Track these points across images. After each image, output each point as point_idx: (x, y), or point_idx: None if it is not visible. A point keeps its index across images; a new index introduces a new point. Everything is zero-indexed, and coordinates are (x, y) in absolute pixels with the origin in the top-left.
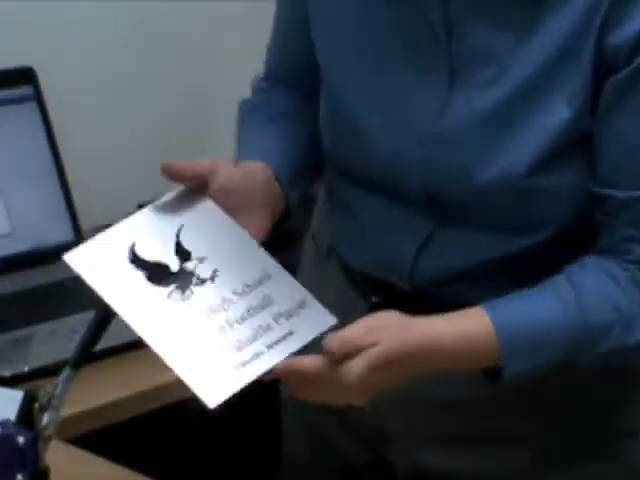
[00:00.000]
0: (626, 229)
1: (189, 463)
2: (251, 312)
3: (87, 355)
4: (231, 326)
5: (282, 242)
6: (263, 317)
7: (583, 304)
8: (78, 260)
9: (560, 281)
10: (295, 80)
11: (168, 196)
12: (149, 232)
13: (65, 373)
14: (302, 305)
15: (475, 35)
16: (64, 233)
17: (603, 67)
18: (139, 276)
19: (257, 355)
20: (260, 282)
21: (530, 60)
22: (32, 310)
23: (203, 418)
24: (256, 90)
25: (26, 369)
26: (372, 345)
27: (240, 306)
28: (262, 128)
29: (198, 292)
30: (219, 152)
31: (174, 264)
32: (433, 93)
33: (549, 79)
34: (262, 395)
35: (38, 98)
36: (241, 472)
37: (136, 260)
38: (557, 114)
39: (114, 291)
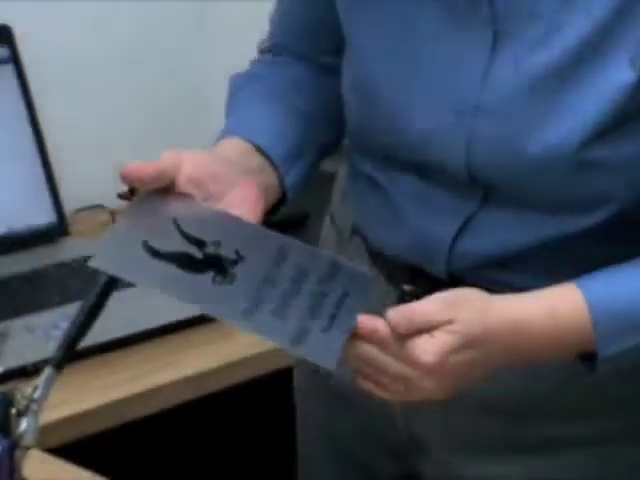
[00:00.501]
0: None
1: (192, 470)
2: (296, 283)
3: (71, 353)
4: (289, 299)
5: (296, 223)
6: (310, 286)
7: None
8: (106, 262)
9: None
10: (306, 51)
11: (137, 199)
12: (148, 230)
13: (46, 374)
14: (336, 266)
15: None
16: (44, 215)
17: None
18: (171, 268)
19: (332, 317)
20: (284, 255)
21: (583, 16)
22: (7, 302)
23: (210, 420)
24: (255, 62)
25: (0, 369)
26: (449, 322)
27: (283, 279)
28: (255, 102)
29: (239, 272)
30: (208, 132)
31: (195, 252)
32: (473, 59)
33: (607, 37)
34: (274, 399)
35: (15, 61)
36: None
37: (158, 254)
38: (618, 76)
39: (160, 283)
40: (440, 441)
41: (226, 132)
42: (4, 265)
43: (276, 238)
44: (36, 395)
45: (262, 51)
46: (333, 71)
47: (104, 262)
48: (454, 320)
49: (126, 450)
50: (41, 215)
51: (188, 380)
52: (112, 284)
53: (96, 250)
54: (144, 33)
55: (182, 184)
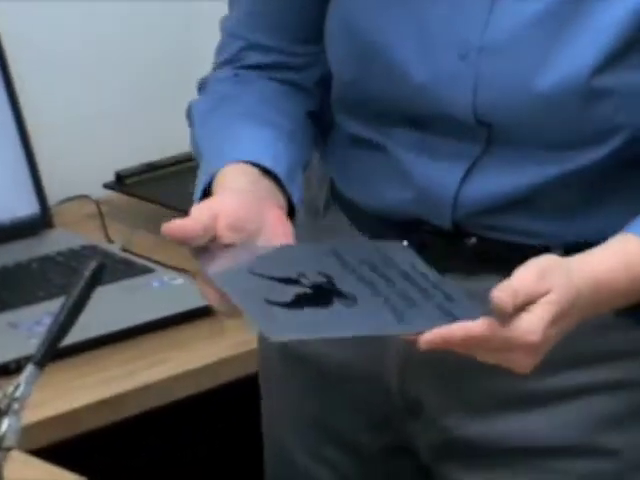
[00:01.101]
0: None
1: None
2: (393, 278)
3: (54, 350)
4: (404, 291)
5: None
6: (401, 275)
7: None
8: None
9: None
10: (276, 44)
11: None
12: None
13: (28, 371)
14: (385, 252)
15: None
16: (27, 206)
17: None
18: (309, 312)
19: (447, 298)
20: (354, 258)
21: None
22: None
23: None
24: (213, 81)
25: None
26: (547, 293)
27: (379, 279)
28: (241, 124)
29: (348, 290)
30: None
31: (299, 290)
32: (474, 4)
33: None
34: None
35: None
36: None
37: (287, 305)
38: (626, 2)
39: (321, 329)
40: (437, 403)
41: (223, 158)
42: None
43: (330, 246)
44: (18, 394)
45: (220, 64)
46: (298, 87)
47: (276, 330)
48: (550, 289)
49: (113, 451)
50: (24, 206)
51: (180, 377)
52: (97, 279)
53: (264, 326)
54: (130, 31)
55: (224, 234)
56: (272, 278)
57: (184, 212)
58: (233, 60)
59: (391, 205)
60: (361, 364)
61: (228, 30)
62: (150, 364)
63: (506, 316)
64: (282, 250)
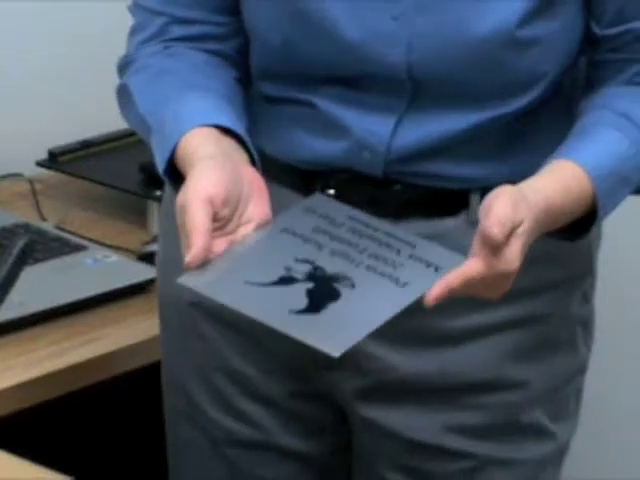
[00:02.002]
0: None
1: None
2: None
3: None
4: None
5: None
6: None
7: None
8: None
9: (611, 117)
10: (197, 16)
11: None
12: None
13: None
14: (320, 212)
15: None
16: None
17: None
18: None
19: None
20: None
21: None
22: None
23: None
24: (141, 59)
25: None
26: (521, 223)
27: (351, 252)
28: (187, 92)
29: (341, 273)
30: None
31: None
32: None
33: None
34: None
35: None
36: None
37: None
38: None
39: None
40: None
41: (180, 126)
42: None
43: (279, 227)
44: None
45: (144, 41)
46: (223, 56)
47: (335, 346)
48: (523, 220)
49: (46, 429)
50: None
51: (114, 354)
52: (26, 256)
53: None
54: (65, 4)
55: (220, 211)
56: (272, 284)
57: (118, 189)
58: (158, 35)
59: (320, 157)
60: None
61: (148, 8)
62: (84, 341)
63: (498, 248)
64: (251, 249)
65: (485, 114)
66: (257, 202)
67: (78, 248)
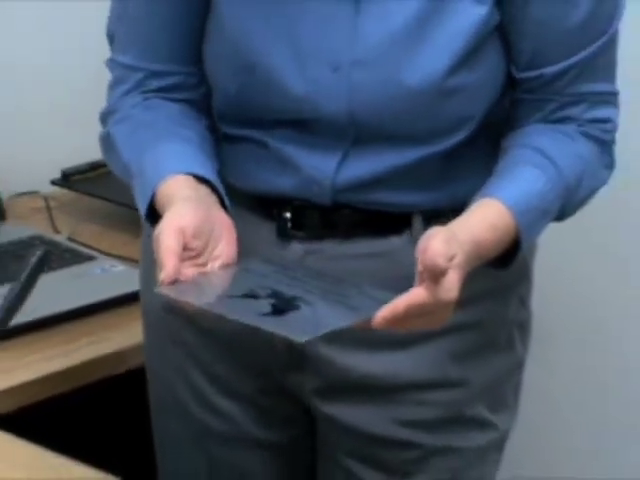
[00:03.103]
0: (561, 97)
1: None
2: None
3: (3, 331)
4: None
5: None
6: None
7: (559, 166)
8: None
9: (530, 155)
10: (168, 64)
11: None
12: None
13: None
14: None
15: None
16: None
17: None
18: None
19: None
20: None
21: None
22: None
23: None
24: (125, 108)
25: None
26: (455, 256)
27: (307, 286)
28: (167, 142)
29: (299, 295)
30: None
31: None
32: (340, 19)
33: None
34: None
35: None
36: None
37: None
38: (468, 15)
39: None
40: (321, 352)
41: (159, 174)
42: None
43: (242, 266)
44: None
45: (124, 93)
46: (194, 103)
47: (301, 334)
48: (455, 254)
49: (58, 420)
50: None
51: (118, 354)
52: (42, 265)
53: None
54: (82, 31)
55: (190, 242)
56: (239, 296)
57: (123, 205)
58: (136, 87)
59: (275, 189)
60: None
61: (126, 64)
62: (91, 342)
63: (438, 277)
64: (218, 277)
65: (420, 152)
66: (226, 243)
67: (88, 258)
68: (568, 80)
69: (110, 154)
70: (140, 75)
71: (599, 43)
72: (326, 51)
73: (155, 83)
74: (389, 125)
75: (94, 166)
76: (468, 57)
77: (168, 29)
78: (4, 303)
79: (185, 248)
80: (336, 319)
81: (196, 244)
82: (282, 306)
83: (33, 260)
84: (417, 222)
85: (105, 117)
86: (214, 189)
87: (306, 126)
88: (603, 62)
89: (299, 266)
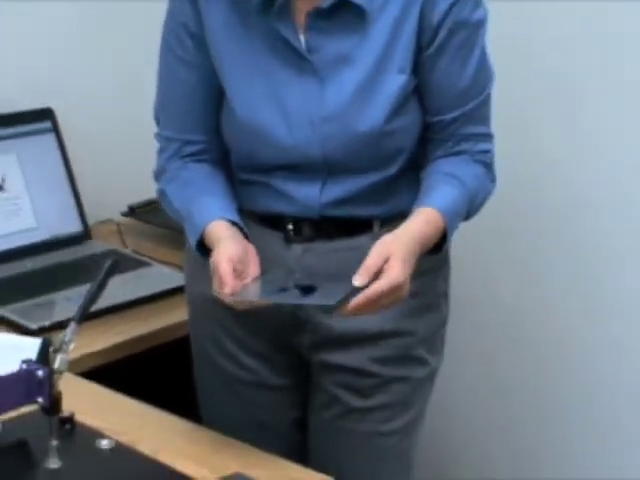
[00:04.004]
0: (456, 136)
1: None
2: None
3: (87, 314)
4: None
5: None
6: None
7: (465, 183)
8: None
9: (447, 177)
10: (203, 144)
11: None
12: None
13: (72, 326)
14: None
15: (327, 47)
16: (74, 227)
17: (420, 42)
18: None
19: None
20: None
21: (370, 52)
22: (53, 282)
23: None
24: (172, 170)
25: (47, 324)
26: (392, 254)
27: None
28: (207, 196)
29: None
30: None
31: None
32: (312, 90)
33: (385, 61)
34: None
35: (55, 129)
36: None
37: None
38: (395, 82)
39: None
40: (318, 318)
41: (204, 220)
42: (52, 258)
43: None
44: (66, 339)
45: (169, 158)
46: (216, 162)
47: (327, 301)
48: (393, 252)
49: (125, 374)
50: (74, 226)
51: (162, 330)
52: (113, 269)
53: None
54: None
55: (237, 267)
56: (279, 290)
57: (171, 229)
58: (177, 153)
59: (279, 213)
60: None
61: (167, 136)
62: (148, 320)
63: (380, 272)
64: (262, 283)
65: (373, 177)
66: (253, 264)
67: (145, 264)
68: (460, 124)
69: (165, 203)
70: (177, 144)
71: (479, 100)
72: (304, 113)
73: (188, 149)
74: (350, 160)
75: (150, 202)
76: (398, 110)
77: (195, 111)
78: (87, 296)
79: (233, 270)
80: (339, 291)
81: (239, 267)
82: (306, 291)
83: (106, 266)
84: (376, 226)
85: (157, 176)
86: (239, 227)
87: (294, 167)
88: (482, 112)
89: (298, 266)
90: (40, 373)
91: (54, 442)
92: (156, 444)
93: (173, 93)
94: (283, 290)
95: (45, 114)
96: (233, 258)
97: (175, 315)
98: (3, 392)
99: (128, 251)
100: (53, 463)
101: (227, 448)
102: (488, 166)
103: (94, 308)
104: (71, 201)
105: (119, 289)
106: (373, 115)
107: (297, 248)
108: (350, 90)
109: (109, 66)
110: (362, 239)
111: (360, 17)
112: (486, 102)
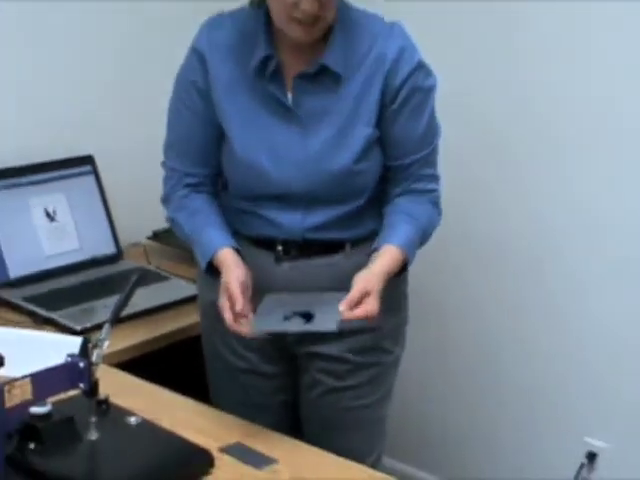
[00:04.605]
0: (412, 177)
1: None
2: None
3: (118, 317)
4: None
5: None
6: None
7: (419, 219)
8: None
9: (405, 217)
10: (204, 175)
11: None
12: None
13: (106, 327)
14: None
15: (309, 103)
16: (109, 249)
17: (383, 102)
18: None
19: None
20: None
21: (343, 108)
22: (93, 292)
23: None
24: (177, 199)
25: (88, 325)
26: (368, 288)
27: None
28: (211, 227)
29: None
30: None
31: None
32: (297, 137)
33: (355, 115)
34: None
35: (95, 172)
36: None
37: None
38: (362, 133)
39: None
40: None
41: (212, 247)
42: (91, 274)
43: (263, 304)
44: (101, 338)
45: (173, 186)
46: (213, 194)
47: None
48: (369, 287)
49: (150, 368)
50: (110, 248)
51: (179, 330)
52: (139, 282)
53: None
54: None
55: (243, 288)
56: (283, 319)
57: (184, 250)
58: (179, 182)
59: (268, 236)
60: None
61: (171, 167)
62: (168, 322)
63: (361, 300)
64: (266, 308)
65: (344, 208)
66: (250, 287)
67: (165, 278)
68: (415, 167)
69: (176, 228)
70: (180, 174)
71: (430, 148)
72: (291, 155)
73: (188, 180)
74: (326, 194)
75: (169, 229)
76: (364, 155)
77: (196, 149)
78: (117, 303)
79: (242, 288)
80: (332, 315)
81: (243, 287)
82: (306, 318)
83: (133, 279)
84: (348, 247)
85: (164, 202)
86: (240, 253)
87: (280, 198)
88: (432, 158)
89: (285, 281)
90: (81, 364)
91: (93, 419)
92: (173, 420)
93: (179, 134)
94: (287, 319)
95: (86, 160)
96: (240, 278)
97: (189, 318)
98: (53, 380)
99: (152, 267)
100: (92, 435)
101: (230, 424)
102: (435, 204)
103: (124, 313)
104: (107, 228)
105: (144, 298)
106: (344, 158)
107: (285, 265)
108: (327, 138)
109: (137, 114)
110: (336, 257)
111: (336, 80)
112: (435, 150)
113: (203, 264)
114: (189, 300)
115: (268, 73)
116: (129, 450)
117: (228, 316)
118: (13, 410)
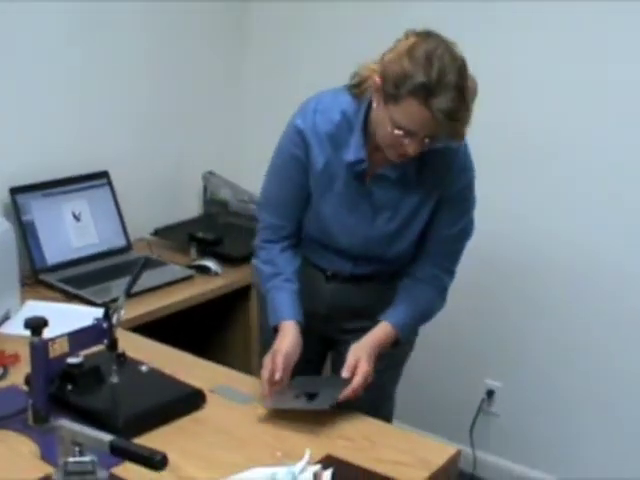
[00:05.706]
0: (438, 267)
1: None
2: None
3: (130, 292)
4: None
5: (213, 243)
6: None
7: (421, 305)
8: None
9: (409, 298)
10: (293, 228)
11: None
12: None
13: (121, 299)
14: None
15: (382, 195)
16: (121, 242)
17: (439, 204)
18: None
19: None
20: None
21: (408, 204)
22: (111, 275)
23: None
24: (263, 252)
25: (107, 299)
26: (360, 358)
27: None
28: (284, 292)
29: (314, 392)
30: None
31: (304, 397)
32: (367, 219)
33: (417, 212)
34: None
35: (109, 183)
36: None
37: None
38: (419, 226)
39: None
40: (340, 316)
41: (280, 315)
42: (108, 261)
43: (289, 388)
44: (118, 306)
45: (264, 239)
46: (295, 246)
47: (321, 404)
48: (360, 357)
49: (155, 330)
50: (121, 242)
51: (177, 302)
52: (145, 266)
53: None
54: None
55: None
56: (294, 397)
57: (180, 242)
58: (275, 233)
59: (327, 267)
60: (313, 308)
61: (269, 221)
62: (166, 296)
63: (355, 367)
64: (287, 390)
65: (383, 266)
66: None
67: (164, 264)
68: (441, 259)
69: (259, 276)
70: (274, 227)
71: (460, 245)
72: (359, 232)
73: (281, 232)
74: (374, 258)
75: (168, 227)
76: (400, 230)
77: (292, 208)
78: (129, 282)
79: (286, 361)
80: (332, 396)
81: (291, 357)
82: (310, 398)
83: (140, 264)
84: (378, 278)
85: (255, 249)
86: (300, 323)
87: (342, 252)
88: (457, 256)
89: (331, 298)
90: (104, 325)
91: (114, 367)
92: (173, 369)
93: (278, 195)
94: (296, 397)
95: (103, 174)
96: (289, 351)
97: (182, 294)
98: (83, 337)
99: (154, 256)
100: (114, 379)
101: (217, 371)
102: (441, 293)
103: (133, 290)
104: (119, 226)
105: (148, 279)
106: (399, 246)
107: (332, 285)
108: (391, 227)
109: (143, 129)
110: (370, 284)
111: (410, 181)
112: (461, 249)
113: (272, 323)
114: (183, 280)
115: (357, 169)
116: (141, 390)
117: (264, 381)
118: (54, 360)
